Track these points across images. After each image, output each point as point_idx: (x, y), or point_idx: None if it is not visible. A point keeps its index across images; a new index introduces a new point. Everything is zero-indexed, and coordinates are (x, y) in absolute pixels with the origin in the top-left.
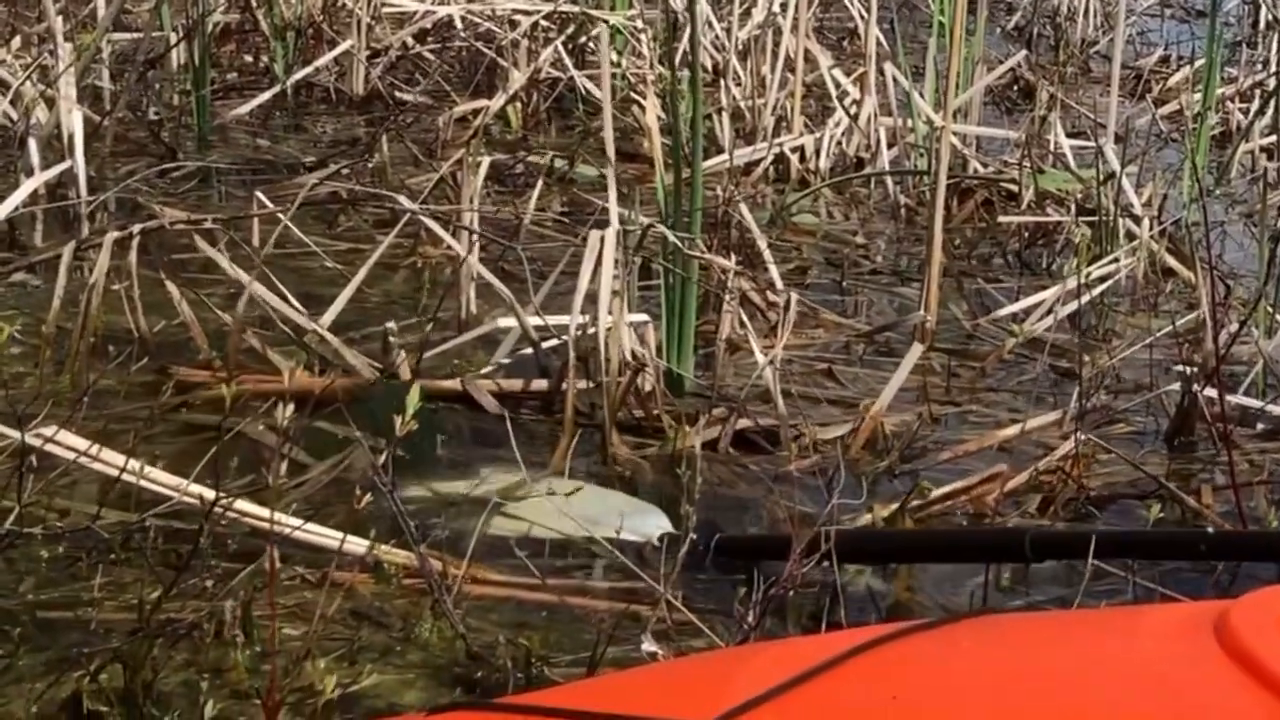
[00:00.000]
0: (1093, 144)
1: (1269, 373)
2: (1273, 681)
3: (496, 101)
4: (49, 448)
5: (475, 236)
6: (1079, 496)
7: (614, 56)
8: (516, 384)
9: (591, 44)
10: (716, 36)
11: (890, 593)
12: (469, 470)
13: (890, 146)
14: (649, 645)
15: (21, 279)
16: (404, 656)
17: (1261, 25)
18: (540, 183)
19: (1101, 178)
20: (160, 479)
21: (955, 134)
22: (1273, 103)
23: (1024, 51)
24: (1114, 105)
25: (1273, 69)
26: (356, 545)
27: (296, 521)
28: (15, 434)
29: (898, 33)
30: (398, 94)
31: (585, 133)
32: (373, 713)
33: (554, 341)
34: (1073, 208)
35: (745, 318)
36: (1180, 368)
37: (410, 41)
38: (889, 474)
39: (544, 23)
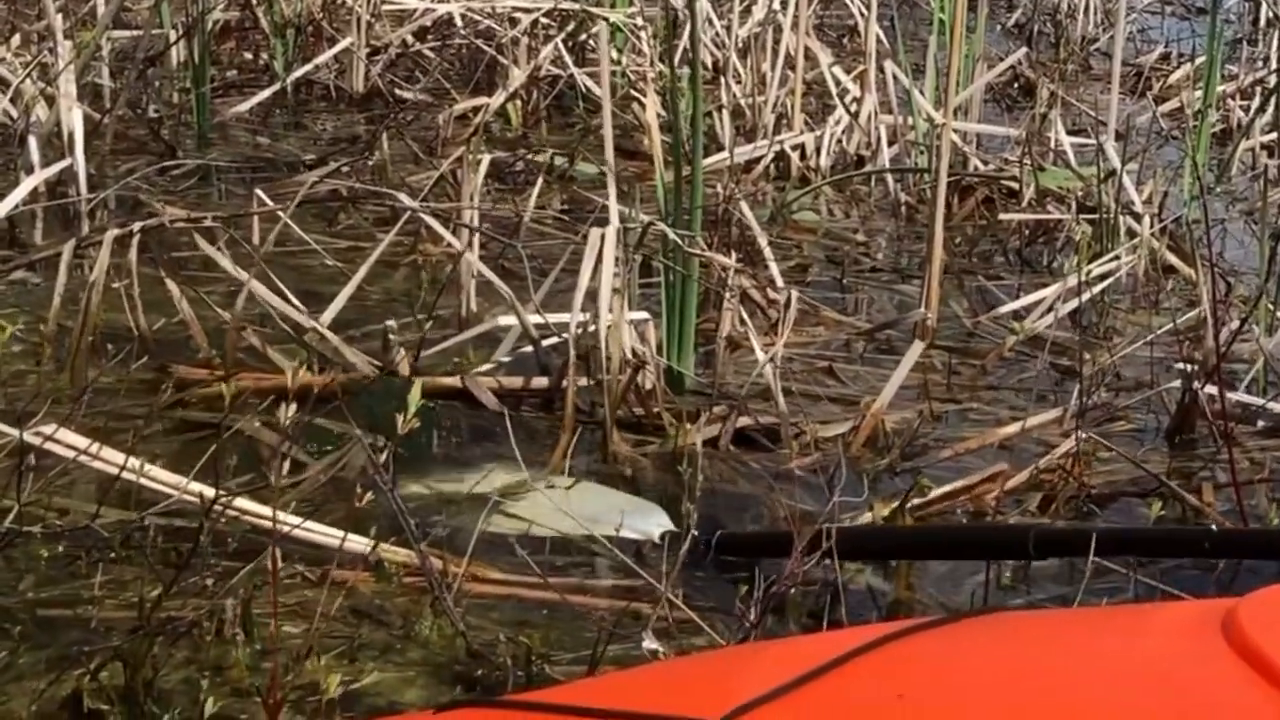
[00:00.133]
0: (1093, 141)
1: (1270, 370)
2: None
3: (496, 99)
4: (49, 446)
5: (475, 234)
6: (1080, 494)
7: (614, 54)
8: (517, 382)
9: (591, 41)
10: (717, 34)
11: (890, 591)
12: (469, 468)
13: (891, 144)
14: (650, 643)
15: (22, 277)
16: (404, 654)
17: (1262, 22)
18: (540, 180)
19: (1102, 175)
20: (160, 477)
21: (956, 131)
22: (1273, 100)
23: (1024, 49)
24: (1114, 102)
25: (1273, 66)
26: (357, 544)
27: (297, 520)
28: (14, 432)
29: (898, 30)
30: (398, 91)
31: (585, 130)
32: (373, 710)
33: (554, 339)
34: (1073, 205)
35: (746, 315)
36: (1181, 365)
37: (410, 39)
38: (890, 472)
39: (544, 20)
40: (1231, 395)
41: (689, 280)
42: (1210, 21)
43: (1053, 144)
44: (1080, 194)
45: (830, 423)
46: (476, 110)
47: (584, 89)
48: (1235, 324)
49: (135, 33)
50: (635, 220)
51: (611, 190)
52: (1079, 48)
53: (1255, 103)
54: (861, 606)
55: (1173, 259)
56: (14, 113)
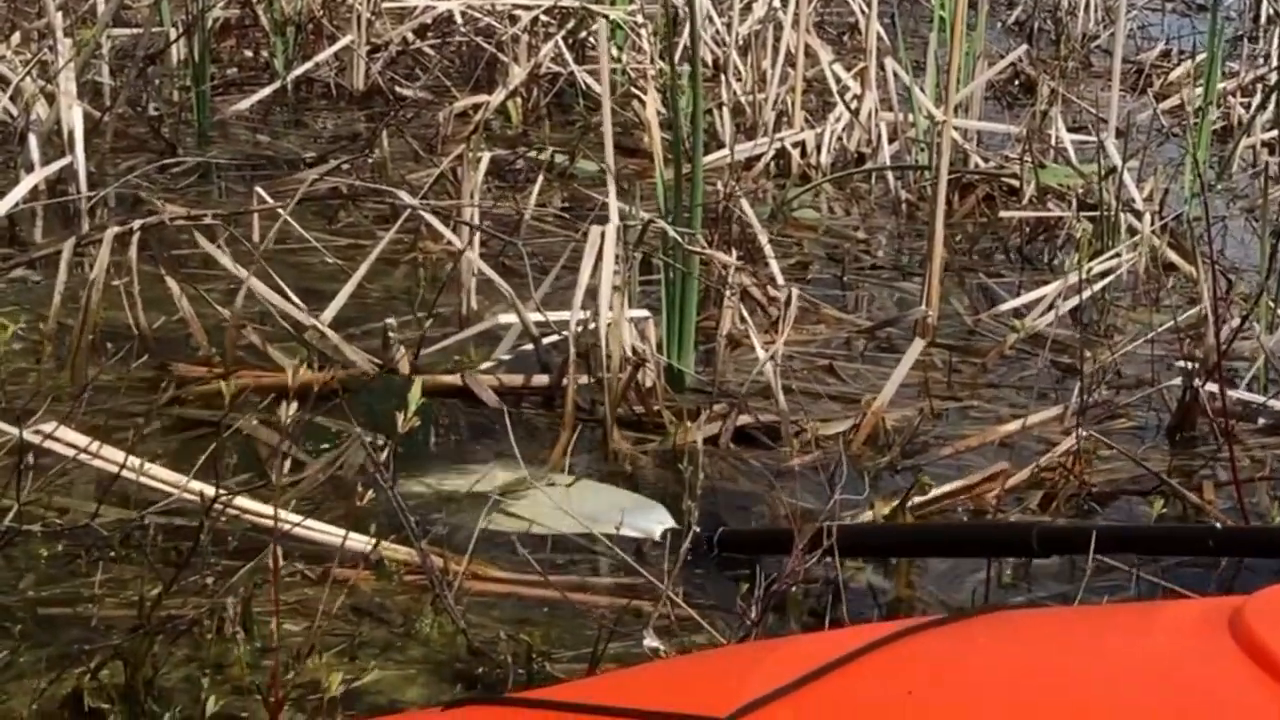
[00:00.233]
0: (1094, 139)
1: (1270, 367)
2: None
3: (497, 97)
4: (49, 444)
5: (476, 232)
6: (1081, 492)
7: (614, 51)
8: (517, 379)
9: (592, 39)
10: (717, 31)
11: (891, 589)
12: (469, 466)
13: (891, 141)
14: (651, 641)
15: (22, 275)
16: (405, 652)
17: (1263, 19)
18: (541, 178)
19: (1103, 173)
20: (160, 476)
21: (956, 129)
22: (1274, 97)
23: (1025, 46)
24: (1115, 100)
25: (1274, 63)
26: (357, 542)
27: (298, 518)
28: (14, 430)
29: (898, 27)
30: (398, 89)
31: (586, 128)
32: (374, 708)
33: (554, 337)
34: (1074, 203)
35: (746, 313)
36: (1182, 363)
37: (410, 37)
38: (891, 469)
39: (544, 18)
40: (1232, 393)
41: (689, 278)
42: (1211, 18)
43: (1053, 141)
44: (1081, 191)
45: (831, 421)
46: (477, 108)
47: (584, 86)
48: (1236, 321)
49: (135, 30)
50: (635, 218)
51: (611, 188)
52: (1079, 45)
53: (1256, 100)
54: (862, 605)
55: (1173, 256)
56: (14, 110)
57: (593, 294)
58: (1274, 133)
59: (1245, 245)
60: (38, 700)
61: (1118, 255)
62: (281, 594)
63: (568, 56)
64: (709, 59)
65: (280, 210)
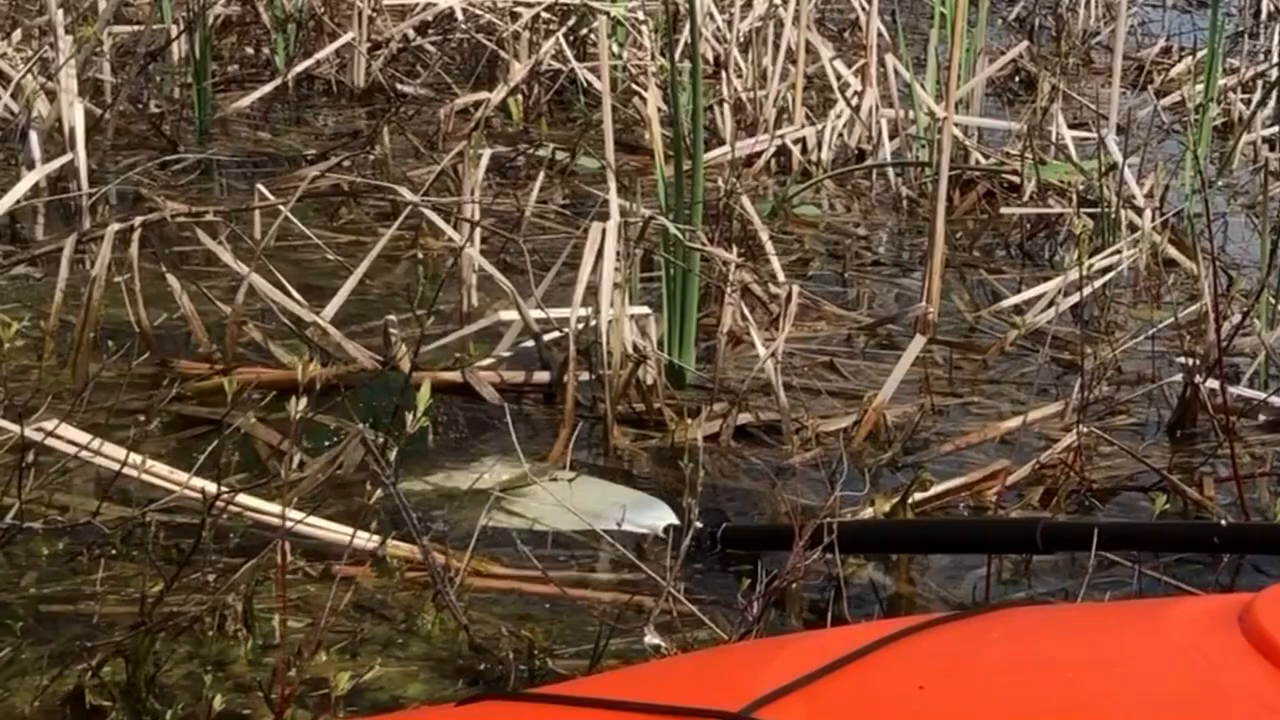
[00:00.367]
0: (1094, 135)
1: (1271, 364)
2: None
3: (498, 94)
4: (50, 442)
5: (477, 229)
6: (1081, 489)
7: (615, 48)
8: (518, 376)
9: (593, 36)
10: (717, 28)
11: (891, 585)
12: (470, 463)
13: (892, 138)
14: (652, 638)
15: (23, 272)
16: (406, 649)
17: (1263, 15)
18: (541, 175)
19: (1103, 169)
20: (161, 473)
21: (957, 125)
22: (1274, 93)
23: (1025, 43)
24: (1116, 96)
25: (1274, 59)
26: (365, 540)
27: (300, 515)
28: (15, 428)
29: (899, 24)
30: (399, 86)
31: (586, 125)
32: (376, 704)
33: (555, 334)
34: (1075, 199)
35: (747, 310)
36: (1182, 359)
37: (411, 34)
38: (891, 466)
39: (545, 15)
40: (1233, 389)
41: (690, 275)
42: (1211, 15)
43: (1054, 138)
44: (1081, 188)
45: (831, 417)
46: (478, 105)
47: (585, 83)
48: (1237, 318)
49: (136, 28)
50: (636, 215)
51: (612, 185)
52: (1080, 41)
53: (1256, 96)
54: (863, 601)
55: (1174, 253)
56: (15, 108)
57: (593, 291)
58: (1274, 129)
59: (1246, 241)
60: (39, 697)
61: (1118, 252)
62: (283, 590)
63: (568, 53)
64: (710, 55)
65: (281, 207)
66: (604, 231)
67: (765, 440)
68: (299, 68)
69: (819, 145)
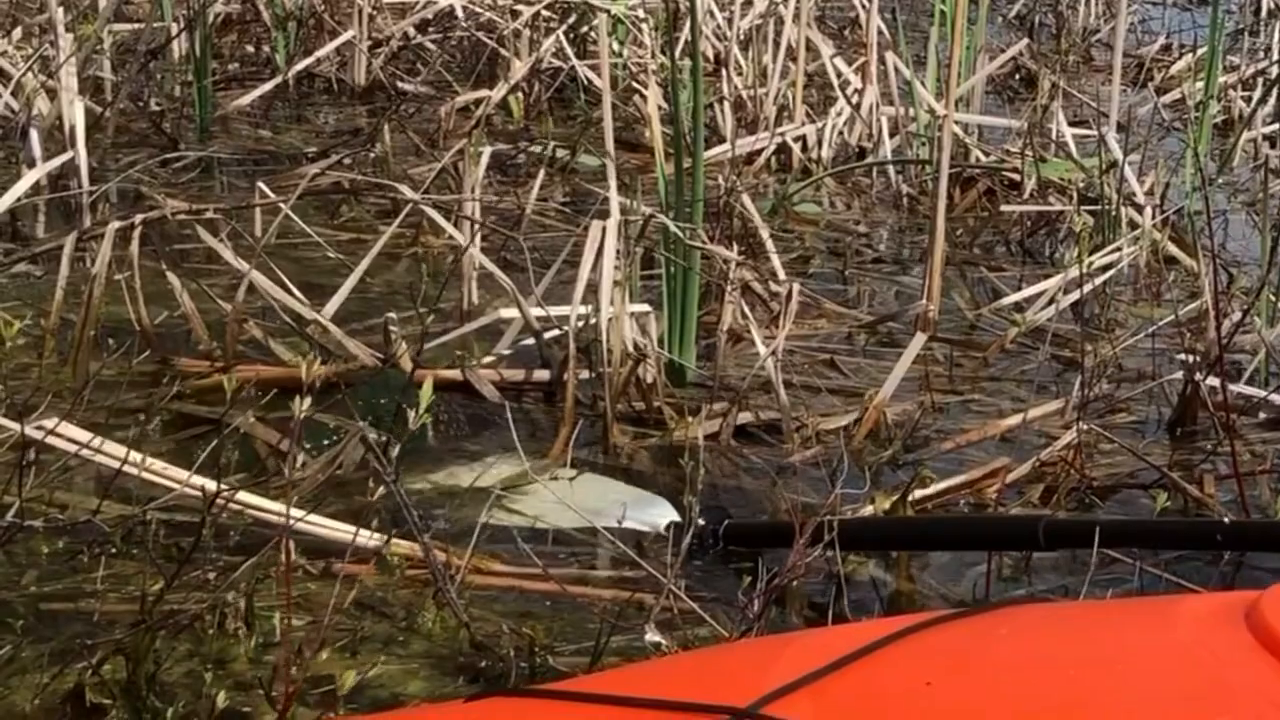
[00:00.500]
0: (1095, 133)
1: (1271, 361)
2: None
3: (498, 91)
4: (50, 440)
5: (477, 226)
6: (1081, 486)
7: (615, 46)
8: (518, 374)
9: (593, 34)
10: (718, 26)
11: (891, 582)
12: (470, 460)
13: (892, 135)
14: (652, 635)
15: (24, 270)
16: (407, 646)
17: (1263, 13)
18: (542, 173)
19: (1104, 166)
20: (162, 471)
21: (957, 123)
22: (1275, 91)
23: (1025, 40)
24: (1116, 94)
25: (1275, 57)
26: (367, 538)
27: (300, 513)
28: (16, 426)
29: (899, 22)
30: (399, 84)
31: (587, 122)
32: (377, 702)
33: (555, 332)
34: (1075, 197)
35: (747, 308)
36: (1183, 357)
37: (412, 32)
38: (892, 464)
39: (545, 12)
40: (1233, 387)
41: (690, 273)
42: (1212, 12)
43: (1054, 135)
44: (1082, 185)
45: (832, 415)
46: (478, 103)
47: (585, 81)
48: (1237, 315)
49: (136, 26)
50: (637, 213)
51: (612, 182)
52: (1080, 39)
53: (1257, 93)
54: (863, 598)
55: (1174, 250)
56: (15, 106)
57: (594, 289)
58: (1275, 126)
59: (1246, 239)
60: (40, 695)
61: (1119, 249)
62: (283, 589)
63: (569, 51)
64: (710, 53)
65: (282, 205)
66: (604, 229)
67: (766, 439)
68: (299, 65)
69: (819, 143)
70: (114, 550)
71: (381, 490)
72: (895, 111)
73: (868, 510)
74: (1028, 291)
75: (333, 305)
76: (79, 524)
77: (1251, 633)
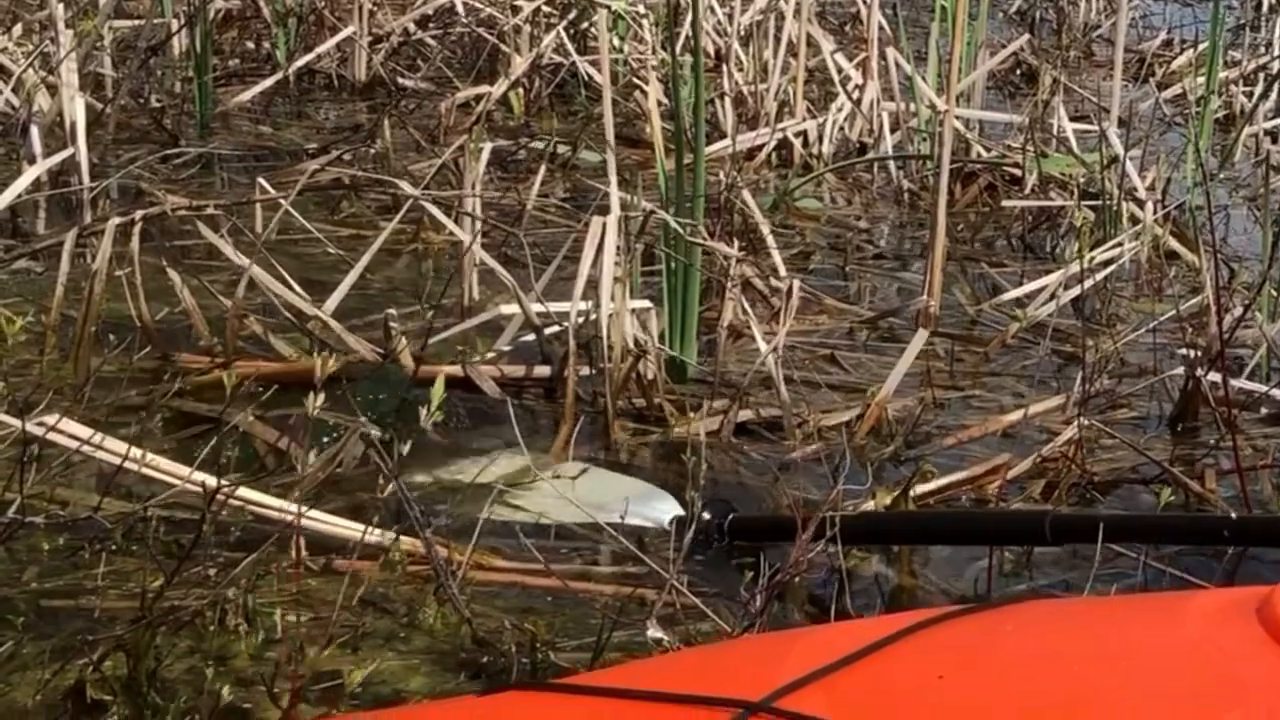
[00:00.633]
0: (1096, 128)
1: (1273, 356)
2: None
3: (498, 87)
4: (51, 436)
5: (478, 223)
6: (1083, 481)
7: (616, 42)
8: (519, 370)
9: (593, 30)
10: (718, 21)
11: (894, 577)
12: (472, 456)
13: (893, 131)
14: (654, 631)
15: (24, 266)
16: (409, 642)
17: (1265, 8)
18: (543, 169)
19: (1105, 162)
20: (163, 468)
21: (958, 118)
22: (1276, 86)
23: (1026, 35)
24: (1117, 89)
25: (1276, 52)
26: (369, 534)
27: (300, 509)
28: (17, 423)
29: (900, 17)
30: (400, 80)
31: (587, 118)
32: (379, 698)
33: (556, 328)
34: (1076, 192)
35: (748, 304)
36: (1184, 352)
37: (412, 27)
38: (894, 460)
39: (546, 8)
40: (1234, 382)
41: (691, 269)
42: (1213, 7)
43: (1055, 130)
44: (1083, 180)
45: (833, 411)
46: (479, 98)
47: (586, 77)
48: (1238, 310)
49: (137, 22)
50: (637, 208)
51: (612, 178)
52: (1081, 34)
53: (1258, 88)
54: (866, 593)
55: (1176, 245)
56: (16, 102)
57: (594, 285)
58: (1276, 121)
59: (1247, 234)
60: (41, 692)
61: (1120, 244)
62: (284, 585)
63: (569, 47)
64: (711, 49)
65: (282, 201)
66: (605, 225)
67: (767, 435)
68: (300, 62)
69: (820, 138)
70: (115, 547)
71: (391, 487)
72: (896, 107)
73: (870, 506)
74: (1029, 287)
75: (333, 301)
76: (80, 520)
77: (1263, 627)
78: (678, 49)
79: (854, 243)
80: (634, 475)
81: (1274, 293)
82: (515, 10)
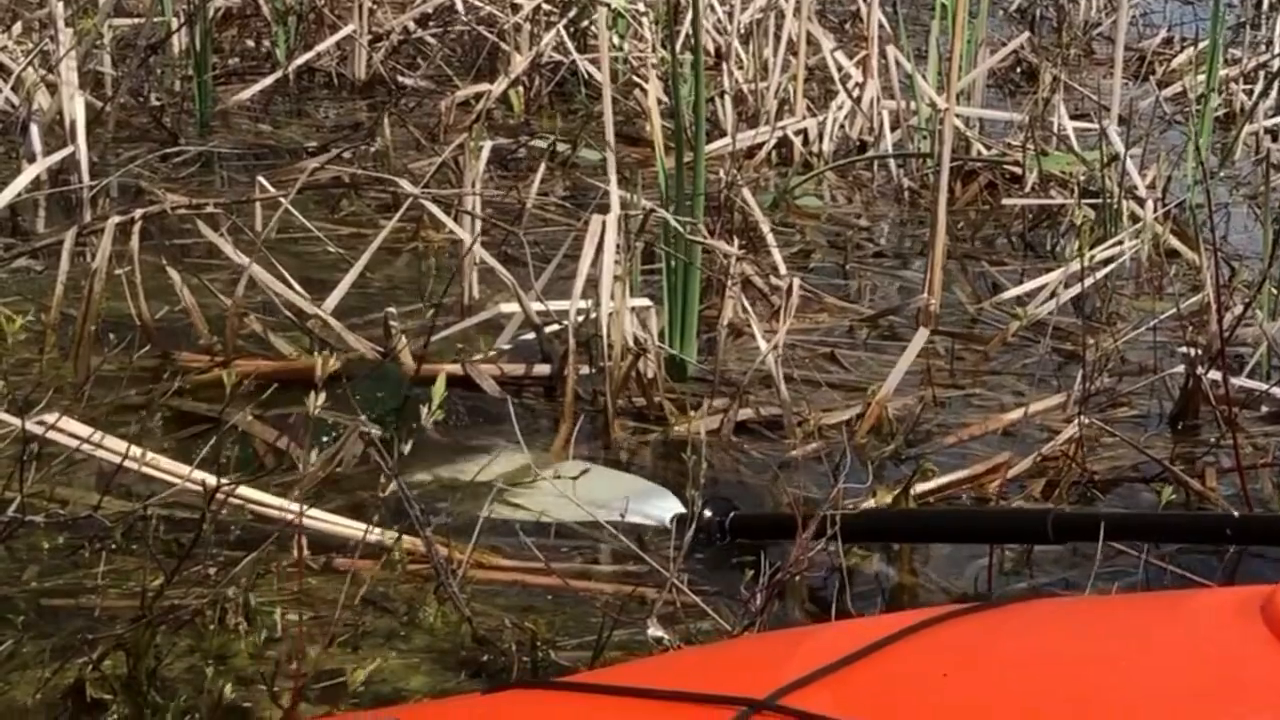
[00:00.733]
0: (1096, 126)
1: (1273, 355)
2: None
3: (498, 86)
4: (51, 435)
5: (478, 221)
6: (1083, 480)
7: (616, 40)
8: (519, 368)
9: (593, 28)
10: (718, 19)
11: (894, 576)
12: (472, 455)
13: (893, 129)
14: (654, 630)
15: (24, 265)
16: (409, 641)
17: (1265, 6)
18: (542, 167)
19: (1105, 160)
20: (164, 466)
21: (958, 116)
22: (1276, 84)
23: (1027, 33)
24: (1117, 87)
25: (1276, 50)
26: (358, 531)
27: (301, 508)
28: (17, 421)
29: (900, 15)
30: (399, 78)
31: (587, 117)
32: (379, 697)
33: (556, 326)
34: (1076, 190)
35: (748, 302)
36: (1184, 350)
37: (412, 26)
38: (895, 459)
39: (546, 6)
40: (1235, 380)
41: (691, 267)
42: (1213, 5)
43: (1055, 129)
44: (1083, 179)
45: (833, 410)
46: (478, 97)
47: (586, 75)
48: (1239, 309)
49: (136, 20)
50: (637, 207)
51: (612, 176)
52: (1081, 32)
53: (1258, 86)
54: (866, 592)
55: (1176, 243)
56: (16, 100)
57: (594, 283)
58: (1276, 119)
59: (1248, 232)
60: (41, 690)
61: (1120, 242)
62: (283, 584)
63: (569, 45)
64: (710, 47)
65: (282, 199)
66: (605, 224)
67: (767, 434)
68: (299, 60)
69: (820, 137)
70: (115, 545)
71: (392, 486)
72: (896, 105)
73: (870, 505)
74: (1029, 285)
75: (333, 299)
76: (80, 519)
77: (1267, 626)
78: (678, 47)
79: (854, 241)
80: (634, 474)
81: (1274, 291)
82: (515, 8)
